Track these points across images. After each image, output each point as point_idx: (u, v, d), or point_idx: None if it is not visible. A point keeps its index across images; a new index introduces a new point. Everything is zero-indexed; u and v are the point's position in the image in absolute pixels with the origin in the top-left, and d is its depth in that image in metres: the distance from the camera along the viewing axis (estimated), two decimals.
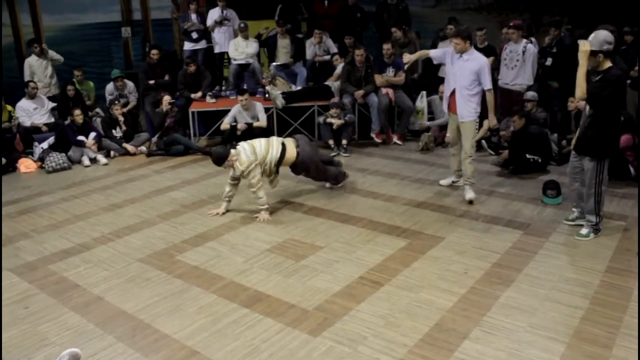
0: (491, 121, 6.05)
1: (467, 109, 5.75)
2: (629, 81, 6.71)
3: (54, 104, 8.85)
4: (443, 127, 8.50)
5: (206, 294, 4.10)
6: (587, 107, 4.71)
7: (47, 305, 4.00)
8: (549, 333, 3.49)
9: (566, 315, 3.68)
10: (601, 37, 4.52)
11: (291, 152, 5.79)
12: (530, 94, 7.69)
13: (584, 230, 4.93)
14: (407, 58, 6.11)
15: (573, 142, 5.15)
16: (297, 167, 5.96)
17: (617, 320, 3.61)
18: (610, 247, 4.73)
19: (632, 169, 6.33)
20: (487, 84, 5.70)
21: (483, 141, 7.94)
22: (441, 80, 8.85)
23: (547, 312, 3.74)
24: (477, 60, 5.68)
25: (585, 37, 4.70)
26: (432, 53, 6.20)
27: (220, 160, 5.49)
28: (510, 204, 5.77)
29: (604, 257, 4.54)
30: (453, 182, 6.40)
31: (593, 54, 4.52)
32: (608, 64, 4.58)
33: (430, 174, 6.93)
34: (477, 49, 8.49)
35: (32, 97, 8.49)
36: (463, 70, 5.70)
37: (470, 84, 5.69)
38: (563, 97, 7.72)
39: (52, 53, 9.15)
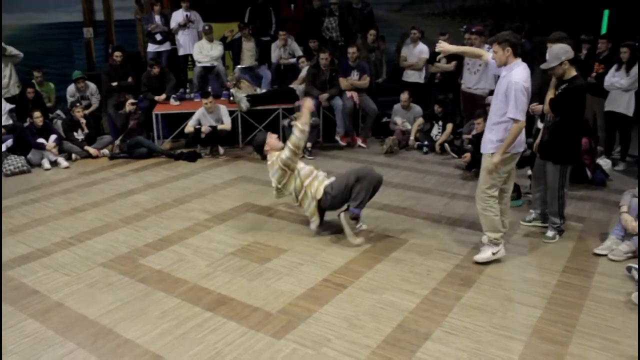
0: (494, 157, 4.41)
1: (487, 138, 4.53)
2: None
3: (12, 106, 8.64)
4: (406, 131, 8.65)
5: (169, 297, 4.07)
6: (550, 115, 4.84)
7: (5, 312, 3.90)
8: (508, 332, 3.57)
9: (525, 315, 3.78)
10: (554, 52, 4.69)
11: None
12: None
13: (549, 233, 5.06)
14: (442, 47, 4.70)
15: (535, 145, 5.29)
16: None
17: (573, 319, 3.72)
18: (568, 247, 4.86)
19: (588, 173, 6.50)
20: (511, 111, 4.26)
21: (446, 144, 8.09)
22: (405, 86, 9.01)
23: (506, 311, 3.83)
24: (508, 78, 4.32)
25: (544, 44, 4.85)
26: (491, 58, 4.60)
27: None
28: (473, 206, 5.81)
29: (561, 257, 4.67)
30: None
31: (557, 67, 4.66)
32: (573, 73, 4.70)
33: (394, 177, 7.00)
34: (437, 53, 8.68)
35: None
36: (497, 89, 4.47)
37: (500, 109, 4.39)
38: None
39: (10, 49, 8.86)
